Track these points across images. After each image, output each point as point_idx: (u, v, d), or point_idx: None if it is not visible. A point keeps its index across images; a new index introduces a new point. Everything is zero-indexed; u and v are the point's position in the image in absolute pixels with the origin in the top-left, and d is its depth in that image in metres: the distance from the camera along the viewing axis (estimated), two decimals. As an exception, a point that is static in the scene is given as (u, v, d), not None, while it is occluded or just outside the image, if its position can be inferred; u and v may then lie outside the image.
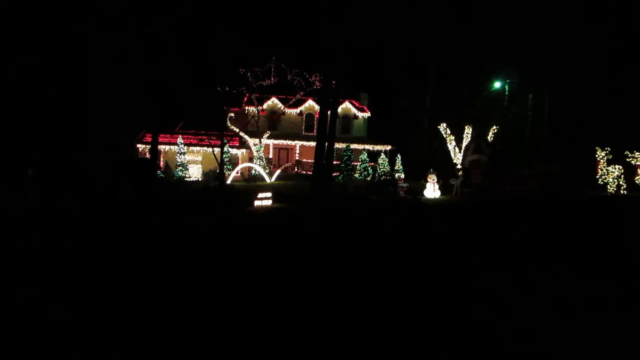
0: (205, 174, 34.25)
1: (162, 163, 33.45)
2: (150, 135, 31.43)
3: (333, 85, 25.34)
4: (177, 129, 37.05)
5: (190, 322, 5.36)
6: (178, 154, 33.17)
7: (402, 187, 25.23)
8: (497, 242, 11.41)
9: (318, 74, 33.67)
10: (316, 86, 33.89)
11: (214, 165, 32.01)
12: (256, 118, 34.67)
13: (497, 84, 36.70)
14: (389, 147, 37.91)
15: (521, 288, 7.05)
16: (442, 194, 24.33)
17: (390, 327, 5.30)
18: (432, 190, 23.75)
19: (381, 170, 33.88)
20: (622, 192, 26.00)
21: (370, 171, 33.78)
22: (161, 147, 33.59)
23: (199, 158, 35.39)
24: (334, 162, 28.39)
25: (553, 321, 5.57)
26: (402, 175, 35.82)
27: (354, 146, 36.15)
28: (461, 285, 7.21)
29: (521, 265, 8.72)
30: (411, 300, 6.36)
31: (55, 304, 6.04)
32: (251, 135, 34.96)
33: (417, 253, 9.92)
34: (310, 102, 37.36)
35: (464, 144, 28.36)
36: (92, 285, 6.94)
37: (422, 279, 7.70)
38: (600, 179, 27.29)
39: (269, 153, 36.68)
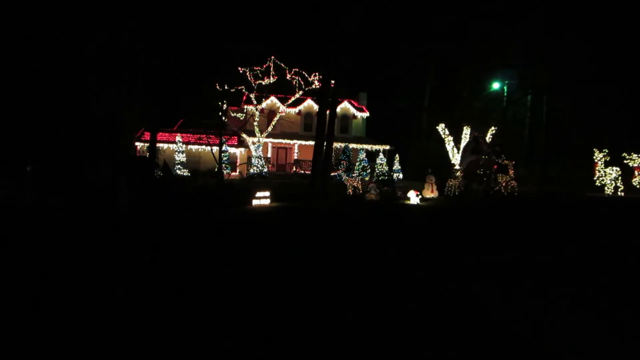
0: (203, 173, 34.23)
1: (160, 161, 33.43)
2: (148, 133, 31.41)
3: (332, 85, 25.36)
4: (175, 128, 37.05)
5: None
6: (177, 153, 33.14)
7: (400, 187, 25.30)
8: (487, 241, 11.45)
9: (317, 74, 33.69)
10: (315, 86, 33.91)
11: (212, 164, 31.99)
12: (255, 117, 34.66)
13: (495, 85, 36.77)
14: (387, 147, 37.94)
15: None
16: (439, 195, 24.38)
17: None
18: (429, 191, 23.80)
19: (379, 170, 33.92)
20: (619, 193, 26.08)
21: (369, 171, 33.80)
22: (160, 146, 33.57)
23: (198, 157, 35.39)
24: (333, 162, 28.40)
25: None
26: (400, 176, 35.86)
27: (352, 146, 36.18)
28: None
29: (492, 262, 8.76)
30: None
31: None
32: (250, 135, 34.97)
33: (410, 252, 9.94)
34: (309, 102, 37.37)
35: (463, 144, 28.39)
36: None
37: (412, 278, 7.73)
38: (597, 181, 27.38)
39: (267, 152, 36.69)
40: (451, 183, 26.09)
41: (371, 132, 40.18)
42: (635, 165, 27.73)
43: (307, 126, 37.91)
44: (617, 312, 6.11)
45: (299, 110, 37.78)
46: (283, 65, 33.57)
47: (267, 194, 19.34)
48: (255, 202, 18.63)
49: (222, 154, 28.94)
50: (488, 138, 27.53)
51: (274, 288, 6.90)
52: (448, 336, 5.13)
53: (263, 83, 33.59)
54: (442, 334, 5.18)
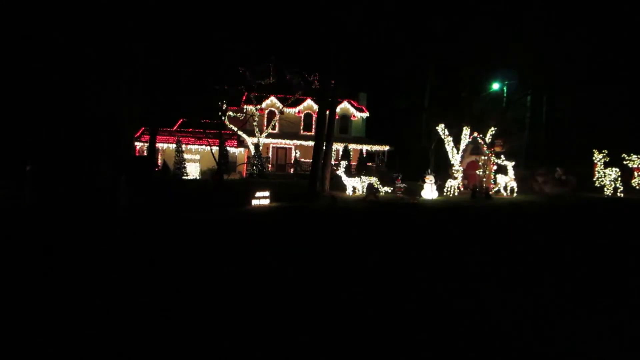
0: (203, 173, 34.25)
1: (160, 161, 33.43)
2: (148, 133, 31.41)
3: (332, 85, 25.35)
4: (175, 127, 37.04)
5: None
6: (176, 153, 33.14)
7: (400, 187, 25.31)
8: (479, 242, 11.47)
9: (317, 74, 33.67)
10: (315, 86, 33.88)
11: (212, 164, 31.97)
12: (255, 117, 34.66)
13: (495, 85, 36.76)
14: (387, 148, 37.94)
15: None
16: (439, 195, 24.39)
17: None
18: (429, 191, 23.80)
19: (379, 170, 33.90)
20: (619, 194, 26.07)
21: (368, 171, 33.76)
22: (159, 146, 33.56)
23: (197, 157, 35.39)
24: (332, 162, 28.39)
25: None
26: (400, 176, 35.85)
27: (352, 146, 36.19)
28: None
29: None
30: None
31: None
32: (249, 135, 34.97)
33: (409, 252, 9.95)
34: (308, 102, 37.37)
35: (462, 145, 28.38)
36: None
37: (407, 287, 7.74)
38: (597, 182, 27.35)
39: (267, 152, 36.71)
40: (451, 183, 26.11)
41: (371, 133, 40.19)
42: (635, 166, 27.71)
43: (307, 126, 37.94)
44: (617, 312, 6.12)
45: (299, 110, 37.79)
46: (283, 66, 33.55)
47: (267, 194, 19.34)
48: (255, 202, 18.64)
49: (222, 154, 28.92)
50: (488, 138, 27.51)
51: (273, 288, 6.91)
52: (448, 336, 5.14)
53: (263, 83, 33.56)
54: (442, 334, 5.18)
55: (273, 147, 37.42)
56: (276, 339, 4.96)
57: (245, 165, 34.75)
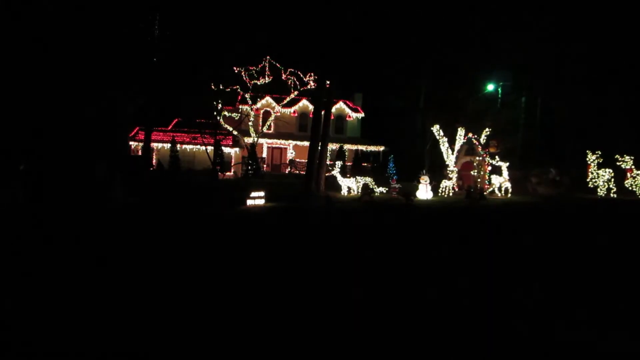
0: (198, 173, 34.13)
1: (154, 161, 33.30)
2: (143, 133, 31.29)
3: (327, 85, 25.37)
4: (170, 127, 36.91)
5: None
6: (171, 152, 33.01)
7: (395, 187, 25.35)
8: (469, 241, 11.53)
9: (312, 74, 33.68)
10: (310, 86, 33.90)
11: (207, 163, 31.86)
12: (250, 117, 34.61)
13: (490, 87, 36.91)
14: (382, 148, 38.00)
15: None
16: (434, 195, 24.46)
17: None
18: (424, 192, 23.86)
19: (374, 170, 33.95)
20: (612, 195, 26.25)
21: (363, 171, 33.77)
22: (154, 145, 33.43)
23: (192, 157, 35.26)
24: (327, 162, 28.39)
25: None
26: (395, 176, 35.92)
27: (347, 146, 36.22)
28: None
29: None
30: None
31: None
32: (245, 134, 34.91)
33: (405, 252, 9.98)
34: (304, 102, 37.36)
35: (457, 145, 28.46)
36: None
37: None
38: (590, 182, 27.50)
39: (262, 152, 36.66)
40: (445, 184, 26.18)
41: (366, 133, 40.24)
42: (628, 167, 27.87)
43: (302, 126, 37.90)
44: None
45: (294, 111, 37.77)
46: (278, 65, 33.53)
47: (262, 194, 19.32)
48: (249, 202, 18.61)
49: (217, 154, 28.88)
50: (482, 139, 27.61)
51: (267, 289, 6.91)
52: (436, 333, 5.18)
53: (258, 83, 33.53)
54: (430, 332, 5.22)
55: (268, 147, 37.39)
56: (269, 340, 4.97)
57: (240, 165, 34.70)
